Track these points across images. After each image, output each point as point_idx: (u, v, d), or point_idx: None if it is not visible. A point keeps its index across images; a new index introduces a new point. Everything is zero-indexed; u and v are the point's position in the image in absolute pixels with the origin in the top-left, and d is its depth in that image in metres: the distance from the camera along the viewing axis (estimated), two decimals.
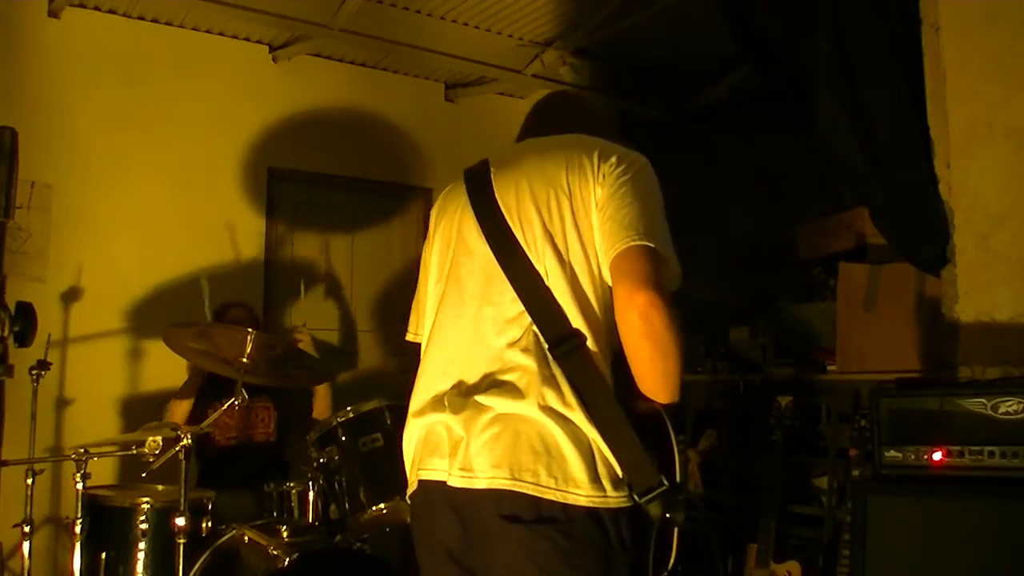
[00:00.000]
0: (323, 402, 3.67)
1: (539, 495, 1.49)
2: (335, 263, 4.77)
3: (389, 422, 2.68)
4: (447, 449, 1.60)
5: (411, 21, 4.31)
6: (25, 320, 2.56)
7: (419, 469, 1.65)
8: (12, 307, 2.56)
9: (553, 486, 1.49)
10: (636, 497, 1.50)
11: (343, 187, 4.79)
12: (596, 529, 1.49)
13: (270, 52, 4.57)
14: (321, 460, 2.72)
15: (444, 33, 4.44)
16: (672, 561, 1.59)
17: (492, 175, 1.72)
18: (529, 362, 1.56)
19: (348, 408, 2.73)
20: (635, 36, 4.44)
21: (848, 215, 3.93)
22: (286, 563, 2.47)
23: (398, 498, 2.60)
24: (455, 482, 1.56)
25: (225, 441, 3.51)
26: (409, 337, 1.87)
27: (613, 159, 1.64)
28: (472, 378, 1.61)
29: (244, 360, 2.72)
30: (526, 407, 1.53)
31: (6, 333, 2.52)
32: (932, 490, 2.22)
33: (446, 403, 1.62)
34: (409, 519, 1.73)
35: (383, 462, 2.64)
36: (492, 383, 1.58)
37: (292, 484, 2.86)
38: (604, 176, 1.62)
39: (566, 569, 1.48)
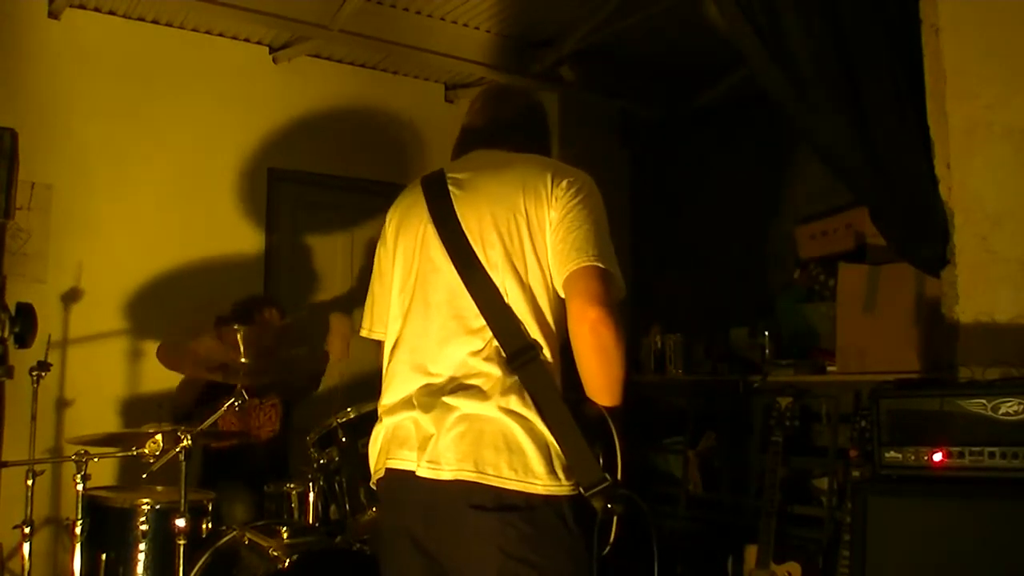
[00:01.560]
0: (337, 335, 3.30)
1: (501, 486, 1.66)
2: (335, 263, 4.77)
3: None
4: (415, 443, 1.76)
5: (411, 22, 4.31)
6: (25, 321, 2.56)
7: (387, 458, 1.81)
8: (12, 308, 2.57)
9: (514, 477, 1.66)
10: (582, 491, 1.67)
11: (343, 187, 4.79)
12: (553, 515, 1.67)
13: (270, 53, 4.57)
14: (321, 461, 2.72)
15: (444, 34, 4.44)
16: (608, 547, 1.70)
17: (453, 196, 1.87)
18: (492, 369, 1.73)
19: (348, 409, 2.73)
20: (634, 36, 4.44)
21: (848, 215, 3.93)
22: (286, 564, 2.47)
23: None
24: (423, 472, 1.72)
25: (232, 441, 3.49)
26: (364, 334, 2.03)
27: (564, 183, 1.81)
28: (439, 381, 1.78)
29: (243, 361, 2.71)
30: (489, 408, 1.71)
31: (6, 334, 2.52)
32: (932, 491, 2.21)
33: (415, 403, 1.78)
34: (378, 503, 1.94)
35: None
36: (458, 386, 1.75)
37: (292, 485, 2.86)
38: (556, 199, 1.79)
39: (530, 552, 1.65)
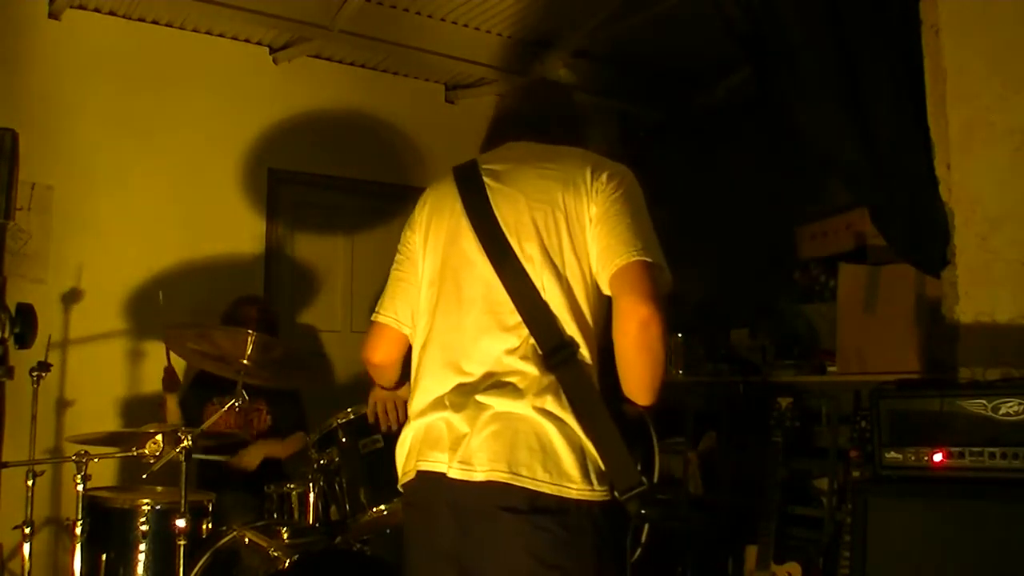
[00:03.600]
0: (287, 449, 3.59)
1: (535, 488, 1.60)
2: (335, 264, 4.77)
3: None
4: (447, 443, 1.70)
5: (411, 22, 4.31)
6: (25, 322, 2.56)
7: (418, 460, 1.74)
8: (13, 309, 2.56)
9: (548, 480, 1.60)
10: (616, 494, 1.62)
11: (343, 188, 4.79)
12: (586, 520, 1.62)
13: (270, 54, 4.58)
14: (321, 461, 2.72)
15: (444, 34, 4.44)
16: (639, 552, 1.68)
17: (488, 188, 1.80)
18: (528, 368, 1.67)
19: (348, 409, 2.73)
20: (635, 38, 4.44)
21: (848, 216, 3.93)
22: (286, 564, 2.48)
23: (398, 500, 2.59)
24: (455, 474, 1.66)
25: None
26: (381, 319, 1.94)
27: (604, 176, 1.76)
28: (472, 380, 1.71)
29: (244, 361, 2.71)
30: (523, 407, 1.65)
31: (7, 335, 2.52)
32: (932, 491, 2.21)
33: (447, 403, 1.72)
34: (404, 506, 1.83)
35: (383, 464, 2.62)
36: (492, 385, 1.69)
37: (292, 485, 2.86)
38: (597, 193, 1.74)
39: (561, 557, 1.60)
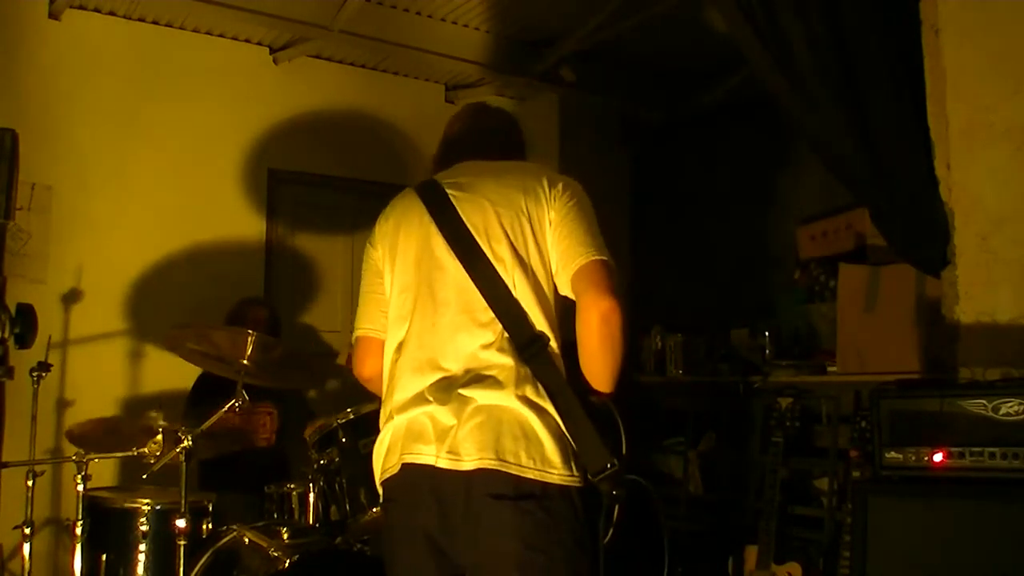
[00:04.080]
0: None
1: (520, 474, 1.70)
2: (335, 264, 4.77)
3: None
4: (432, 436, 1.77)
5: (411, 22, 4.31)
6: (25, 322, 2.56)
7: (403, 454, 1.80)
8: (13, 309, 2.56)
9: (532, 466, 1.70)
10: (589, 476, 1.73)
11: (343, 188, 4.79)
12: (567, 504, 1.73)
13: (270, 54, 4.58)
14: (321, 462, 2.72)
15: (444, 34, 4.44)
16: (611, 533, 1.77)
17: (453, 198, 1.92)
18: (505, 360, 1.78)
19: (348, 410, 2.73)
20: (634, 37, 4.44)
21: (848, 216, 3.93)
22: (286, 564, 2.47)
23: None
24: (443, 464, 1.73)
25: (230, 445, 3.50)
26: (362, 333, 2.02)
27: (560, 186, 1.91)
28: (452, 375, 1.80)
29: (244, 362, 2.71)
30: (506, 398, 1.74)
31: (7, 335, 2.52)
32: (933, 491, 2.21)
33: (429, 397, 1.80)
34: (384, 503, 1.89)
35: None
36: (473, 379, 1.78)
37: (292, 486, 2.86)
38: (555, 200, 1.89)
39: (544, 540, 1.69)
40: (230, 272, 4.31)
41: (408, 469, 1.79)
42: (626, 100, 5.16)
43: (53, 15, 4.01)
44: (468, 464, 1.71)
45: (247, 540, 2.62)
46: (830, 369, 3.75)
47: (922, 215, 2.71)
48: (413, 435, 1.80)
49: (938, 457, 2.21)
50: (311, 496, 2.78)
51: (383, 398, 1.92)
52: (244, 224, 4.44)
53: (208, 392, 3.42)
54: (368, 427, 2.68)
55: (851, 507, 2.77)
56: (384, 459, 1.86)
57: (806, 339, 4.06)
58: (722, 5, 2.82)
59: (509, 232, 1.86)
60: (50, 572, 3.72)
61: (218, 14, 4.12)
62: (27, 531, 2.75)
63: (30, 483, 2.78)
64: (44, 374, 3.16)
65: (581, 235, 1.85)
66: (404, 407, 1.83)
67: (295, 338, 4.46)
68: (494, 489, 1.69)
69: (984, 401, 2.18)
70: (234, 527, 2.70)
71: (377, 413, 2.70)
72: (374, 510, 2.61)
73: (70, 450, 2.68)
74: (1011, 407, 2.14)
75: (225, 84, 4.42)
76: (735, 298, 4.64)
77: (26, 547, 2.76)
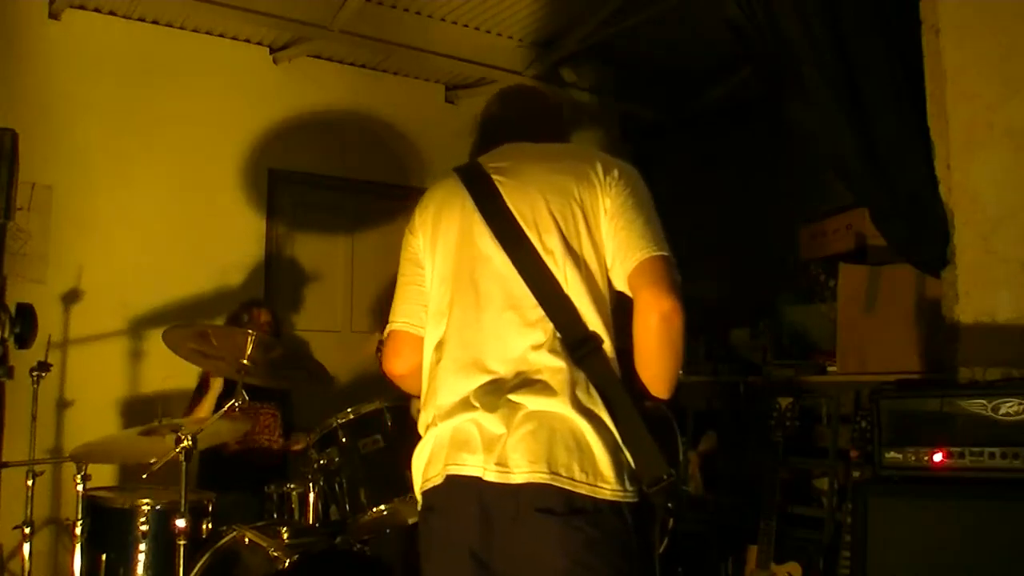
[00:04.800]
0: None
1: (573, 489, 1.57)
2: (335, 264, 4.77)
3: (389, 423, 2.68)
4: (479, 445, 1.64)
5: (411, 22, 4.31)
6: (25, 322, 2.55)
7: (448, 464, 1.67)
8: (12, 309, 2.56)
9: (584, 480, 1.58)
10: (644, 487, 1.62)
11: (343, 188, 4.79)
12: (618, 520, 1.60)
13: (270, 53, 4.58)
14: (321, 462, 2.72)
15: (444, 34, 4.44)
16: (664, 544, 1.71)
17: (499, 184, 1.77)
18: (557, 363, 1.64)
19: (348, 409, 2.73)
20: (635, 37, 4.44)
21: (848, 216, 3.93)
22: (286, 564, 2.47)
23: (398, 500, 2.60)
24: (491, 477, 1.60)
25: (233, 446, 3.50)
26: (395, 327, 1.86)
27: (615, 172, 1.76)
28: (500, 378, 1.67)
29: (244, 362, 2.71)
30: (558, 404, 1.62)
31: (6, 335, 2.51)
32: (932, 491, 2.21)
33: (475, 403, 1.66)
34: (423, 511, 1.75)
35: (383, 463, 2.64)
36: (523, 382, 1.65)
37: (293, 486, 2.86)
38: (611, 187, 1.74)
39: (594, 557, 1.57)
40: (230, 272, 4.31)
41: (453, 481, 1.65)
42: (626, 100, 5.16)
43: (53, 15, 4.01)
44: (518, 477, 1.58)
45: (247, 540, 2.62)
46: (830, 369, 3.75)
47: (922, 215, 2.71)
48: (458, 444, 1.66)
49: (938, 457, 2.21)
50: (311, 496, 2.79)
51: (423, 401, 1.78)
52: (244, 224, 4.44)
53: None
54: (368, 427, 2.70)
55: (851, 507, 2.77)
56: (425, 468, 1.73)
57: (806, 339, 4.06)
58: (723, 6, 2.83)
59: (560, 222, 1.71)
60: (50, 572, 3.72)
61: (218, 14, 4.12)
62: (27, 531, 2.76)
63: (30, 483, 2.78)
64: (44, 374, 3.16)
65: (640, 227, 1.70)
66: (448, 413, 1.69)
67: (295, 338, 4.46)
68: (544, 503, 1.57)
69: (984, 401, 2.17)
70: (234, 527, 2.70)
71: (377, 413, 2.73)
72: (374, 510, 2.61)
73: (70, 450, 2.68)
74: (1011, 407, 2.14)
75: (225, 84, 4.42)
76: (735, 298, 4.64)
77: (26, 547, 2.76)
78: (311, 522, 2.78)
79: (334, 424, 2.72)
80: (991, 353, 2.50)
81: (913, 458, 2.25)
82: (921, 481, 2.24)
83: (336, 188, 4.78)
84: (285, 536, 2.62)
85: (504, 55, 4.65)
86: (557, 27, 4.47)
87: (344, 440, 2.70)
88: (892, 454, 2.28)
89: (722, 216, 4.88)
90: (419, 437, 1.77)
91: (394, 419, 2.68)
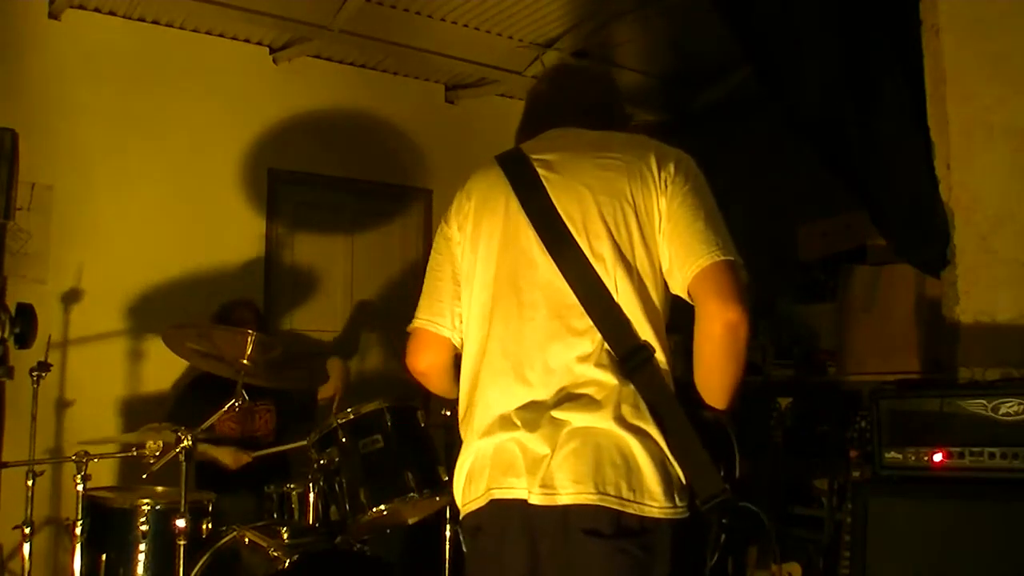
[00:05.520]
0: (336, 379, 3.60)
1: (622, 508, 1.50)
2: (335, 264, 4.77)
3: (390, 424, 2.67)
4: (523, 467, 1.56)
5: (411, 22, 4.31)
6: (26, 321, 2.56)
7: (491, 488, 1.59)
8: (13, 309, 2.56)
9: (633, 499, 1.50)
10: (698, 503, 1.55)
11: (343, 188, 4.79)
12: (667, 539, 1.53)
13: (270, 54, 4.57)
14: (321, 461, 2.72)
15: (444, 34, 4.44)
16: (715, 558, 1.63)
17: (544, 180, 1.66)
18: (605, 376, 1.56)
19: (348, 409, 2.73)
20: (635, 38, 4.44)
21: (848, 216, 3.93)
22: (286, 564, 2.48)
23: (398, 500, 2.60)
24: (536, 500, 1.53)
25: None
26: (418, 324, 1.78)
27: (671, 166, 1.65)
28: (543, 393, 1.58)
29: (244, 362, 2.72)
30: (602, 420, 1.53)
31: (7, 335, 2.52)
32: (932, 491, 2.21)
33: (517, 421, 1.59)
34: (470, 532, 1.68)
35: (383, 463, 2.64)
36: (566, 397, 1.57)
37: (292, 485, 2.87)
38: (667, 185, 1.63)
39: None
40: (230, 272, 4.31)
41: (497, 505, 1.58)
42: (626, 101, 5.14)
43: (53, 15, 4.01)
44: (564, 498, 1.51)
45: (247, 540, 2.63)
46: (830, 369, 3.75)
47: (922, 215, 2.71)
48: (502, 466, 1.58)
49: (938, 457, 2.21)
50: (311, 496, 2.79)
51: (461, 410, 1.70)
52: (244, 224, 4.44)
53: (206, 392, 3.42)
54: (368, 427, 2.70)
55: (851, 507, 2.76)
56: (466, 488, 1.65)
57: (806, 339, 4.06)
58: (723, 6, 2.83)
59: (611, 226, 1.60)
60: (50, 572, 3.72)
61: (218, 14, 4.12)
62: (27, 531, 2.75)
63: (30, 483, 2.78)
64: (44, 374, 3.16)
65: (700, 229, 1.59)
66: (489, 431, 1.61)
67: (295, 338, 4.46)
68: (591, 525, 1.50)
69: (984, 401, 2.17)
70: (234, 527, 2.70)
71: (377, 413, 2.73)
72: (374, 510, 2.61)
73: (70, 450, 2.68)
74: (1011, 407, 2.14)
75: (225, 84, 4.41)
76: None
77: (26, 547, 2.76)
78: (311, 522, 2.78)
79: (334, 424, 2.72)
80: (991, 353, 2.50)
81: (913, 458, 2.25)
82: (921, 481, 2.24)
83: (336, 188, 4.78)
84: (285, 536, 2.62)
85: (504, 55, 4.65)
86: (557, 27, 4.46)
87: (344, 440, 2.69)
88: (892, 454, 2.28)
89: (722, 216, 4.87)
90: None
91: (394, 419, 2.68)
